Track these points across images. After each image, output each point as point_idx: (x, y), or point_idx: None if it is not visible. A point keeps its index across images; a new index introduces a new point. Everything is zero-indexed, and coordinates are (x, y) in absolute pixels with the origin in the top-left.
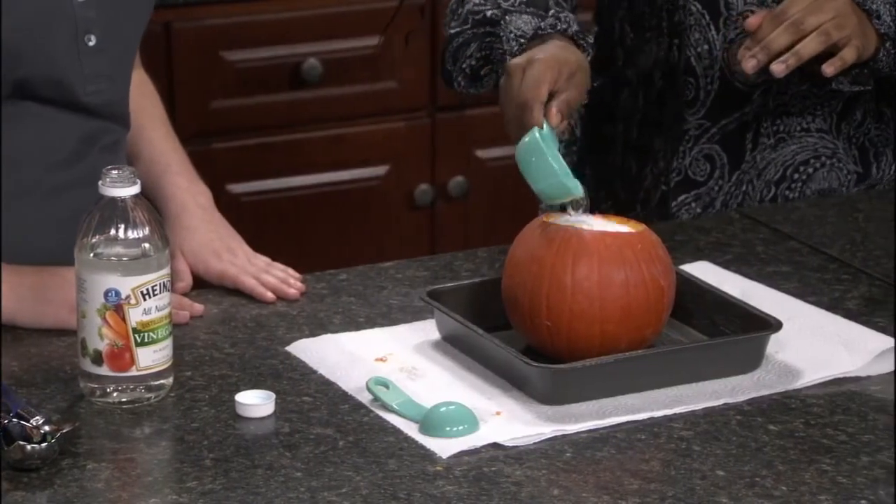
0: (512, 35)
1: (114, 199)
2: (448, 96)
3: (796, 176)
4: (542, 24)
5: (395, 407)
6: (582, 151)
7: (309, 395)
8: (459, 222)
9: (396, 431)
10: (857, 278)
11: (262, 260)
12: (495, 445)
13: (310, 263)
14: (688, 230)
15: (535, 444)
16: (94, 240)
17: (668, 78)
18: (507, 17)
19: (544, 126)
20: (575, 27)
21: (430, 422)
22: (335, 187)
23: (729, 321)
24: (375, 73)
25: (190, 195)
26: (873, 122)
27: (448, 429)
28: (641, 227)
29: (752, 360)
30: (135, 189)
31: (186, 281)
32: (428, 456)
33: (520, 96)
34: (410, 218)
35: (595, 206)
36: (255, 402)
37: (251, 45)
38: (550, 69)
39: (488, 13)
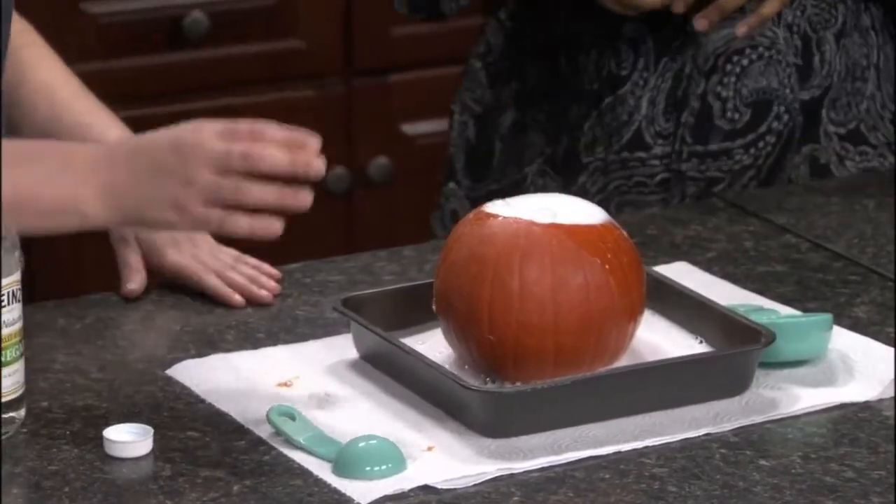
0: None
1: None
2: (367, 59)
3: (728, 68)
4: None
5: (303, 442)
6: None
7: (195, 429)
8: (382, 214)
9: (305, 473)
10: (867, 279)
11: (229, 253)
12: (426, 489)
13: None
14: (661, 222)
15: (475, 486)
16: None
17: None
18: None
19: None
20: None
21: (347, 460)
22: None
23: (711, 333)
24: (276, 29)
25: None
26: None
27: (368, 469)
28: (605, 219)
29: (739, 380)
30: None
31: (140, 277)
32: (344, 502)
33: None
34: (321, 208)
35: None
36: (129, 438)
37: None
38: None
39: None
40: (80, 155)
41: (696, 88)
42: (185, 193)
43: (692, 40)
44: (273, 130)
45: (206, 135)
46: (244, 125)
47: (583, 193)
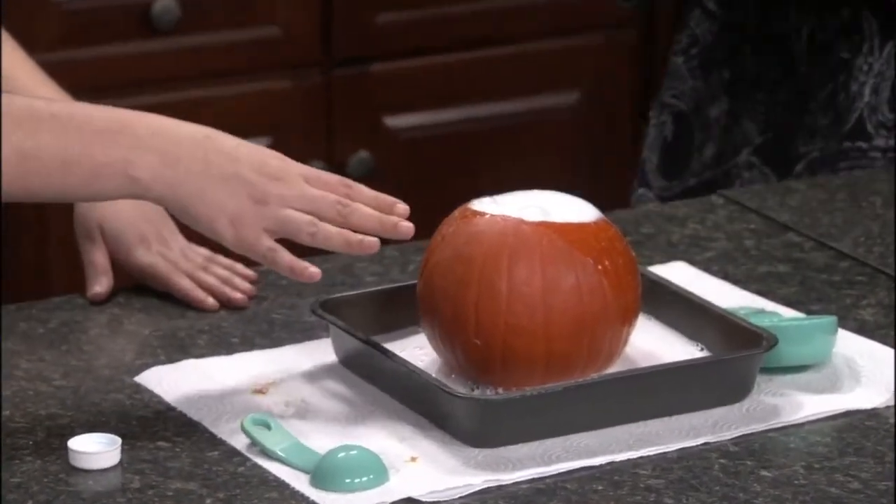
0: None
1: None
2: (348, 47)
3: None
4: None
5: (279, 453)
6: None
7: (166, 439)
8: None
9: (281, 485)
10: (874, 280)
11: (200, 253)
12: (410, 501)
13: None
14: (657, 220)
15: (460, 498)
16: None
17: None
18: None
19: None
20: None
21: (326, 472)
22: None
23: (710, 337)
24: (250, 17)
25: None
26: None
27: (348, 481)
28: (598, 217)
29: (739, 386)
30: None
31: (107, 279)
32: None
33: None
34: None
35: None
36: (95, 449)
37: None
38: None
39: None
40: (135, 119)
41: None
42: (251, 211)
43: None
44: (363, 187)
45: (293, 170)
46: (332, 175)
47: None
